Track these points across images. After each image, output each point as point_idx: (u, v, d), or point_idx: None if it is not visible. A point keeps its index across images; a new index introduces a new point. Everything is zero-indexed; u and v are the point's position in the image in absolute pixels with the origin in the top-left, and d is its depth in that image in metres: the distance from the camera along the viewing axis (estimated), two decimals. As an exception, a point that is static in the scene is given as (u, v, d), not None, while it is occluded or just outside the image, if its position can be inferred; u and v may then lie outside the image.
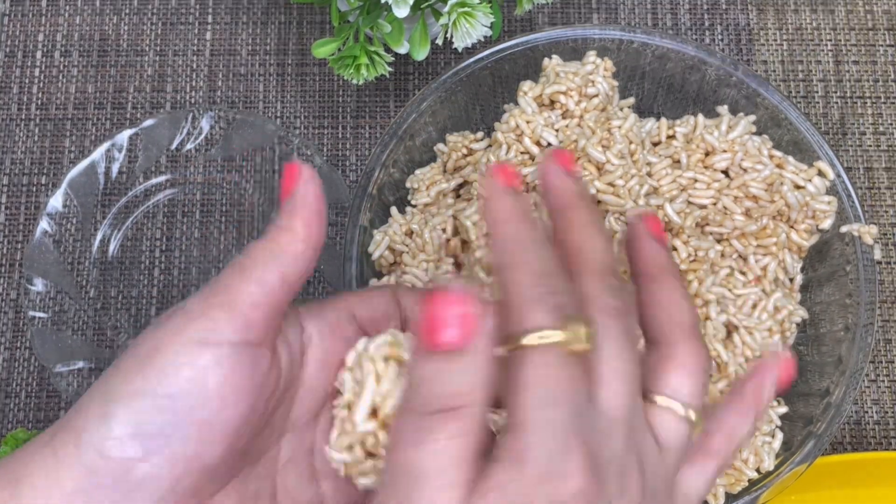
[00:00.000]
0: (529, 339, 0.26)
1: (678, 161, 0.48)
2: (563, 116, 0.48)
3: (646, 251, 0.32)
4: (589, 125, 0.47)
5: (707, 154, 0.48)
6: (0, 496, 0.27)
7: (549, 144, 0.47)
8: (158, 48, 0.61)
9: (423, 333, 0.26)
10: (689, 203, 0.47)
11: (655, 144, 0.49)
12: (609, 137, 0.46)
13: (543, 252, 0.28)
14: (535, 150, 0.47)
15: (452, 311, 0.26)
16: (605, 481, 0.26)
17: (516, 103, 0.49)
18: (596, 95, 0.48)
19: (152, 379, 0.27)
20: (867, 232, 0.47)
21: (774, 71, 0.61)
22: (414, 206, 0.50)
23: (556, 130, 0.48)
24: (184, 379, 0.27)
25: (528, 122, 0.47)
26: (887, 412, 0.55)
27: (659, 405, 0.29)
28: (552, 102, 0.49)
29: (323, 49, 0.51)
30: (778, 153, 0.48)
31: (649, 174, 0.47)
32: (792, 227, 0.48)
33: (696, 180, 0.47)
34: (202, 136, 0.57)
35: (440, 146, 0.51)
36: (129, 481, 0.27)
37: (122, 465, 0.27)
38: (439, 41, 0.50)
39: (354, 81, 0.51)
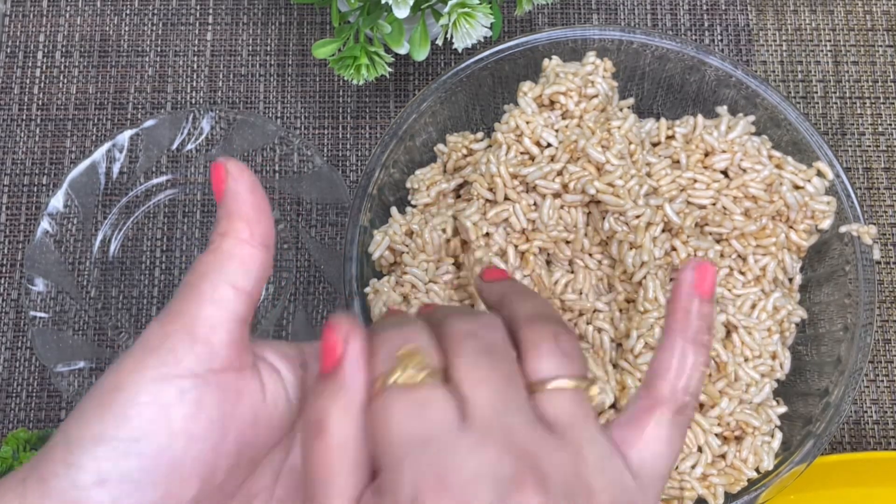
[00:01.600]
0: (376, 388, 0.27)
1: (678, 161, 0.48)
2: (563, 117, 0.48)
3: (493, 287, 0.34)
4: (588, 125, 0.47)
5: (706, 154, 0.48)
6: None
7: (549, 145, 0.47)
8: (159, 49, 0.61)
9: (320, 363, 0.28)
10: (689, 203, 0.47)
11: (655, 145, 0.49)
12: (609, 138, 0.46)
13: (389, 324, 0.29)
14: (535, 150, 0.47)
15: (329, 341, 0.27)
16: (475, 496, 0.25)
17: (516, 104, 0.49)
18: (595, 96, 0.48)
19: (111, 423, 0.26)
20: (866, 232, 0.47)
21: (774, 71, 0.61)
22: (414, 207, 0.50)
23: (556, 131, 0.48)
24: (146, 420, 0.26)
25: (527, 123, 0.48)
26: (886, 412, 0.55)
27: (544, 392, 0.28)
28: (552, 103, 0.49)
29: (323, 49, 0.51)
30: (777, 153, 0.48)
31: (649, 174, 0.47)
32: (791, 227, 0.48)
33: (695, 181, 0.47)
34: (203, 137, 0.57)
35: (440, 146, 0.51)
36: None
37: None
38: (439, 42, 0.50)
39: (355, 82, 0.51)
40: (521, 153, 0.47)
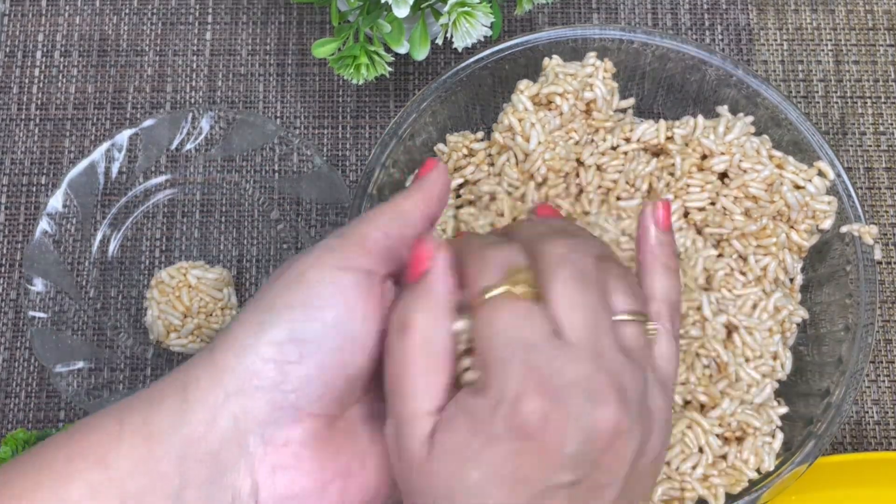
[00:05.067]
0: (482, 298, 0.31)
1: (672, 173, 0.48)
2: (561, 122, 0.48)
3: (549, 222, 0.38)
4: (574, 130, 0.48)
5: (704, 157, 0.48)
6: (173, 400, 0.31)
7: (540, 143, 0.47)
8: (158, 48, 0.61)
9: (409, 272, 0.32)
10: (685, 208, 0.47)
11: (656, 155, 0.49)
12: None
13: (487, 237, 0.35)
14: (528, 147, 0.47)
15: (419, 252, 0.32)
16: (567, 400, 0.30)
17: (516, 103, 0.49)
18: (593, 100, 0.48)
19: (300, 295, 0.32)
20: (867, 232, 0.47)
21: (774, 71, 0.61)
22: (414, 207, 0.50)
23: (550, 132, 0.48)
24: (329, 295, 0.32)
25: (519, 120, 0.48)
26: (888, 412, 0.55)
27: (619, 321, 0.33)
28: (549, 102, 0.49)
29: (323, 49, 0.51)
30: (778, 153, 0.48)
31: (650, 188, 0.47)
32: (792, 227, 0.48)
33: (688, 185, 0.47)
34: (202, 136, 0.57)
35: (440, 146, 0.51)
36: (287, 382, 0.31)
37: (280, 369, 0.31)
38: (439, 41, 0.50)
39: (354, 81, 0.51)
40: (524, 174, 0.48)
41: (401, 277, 0.34)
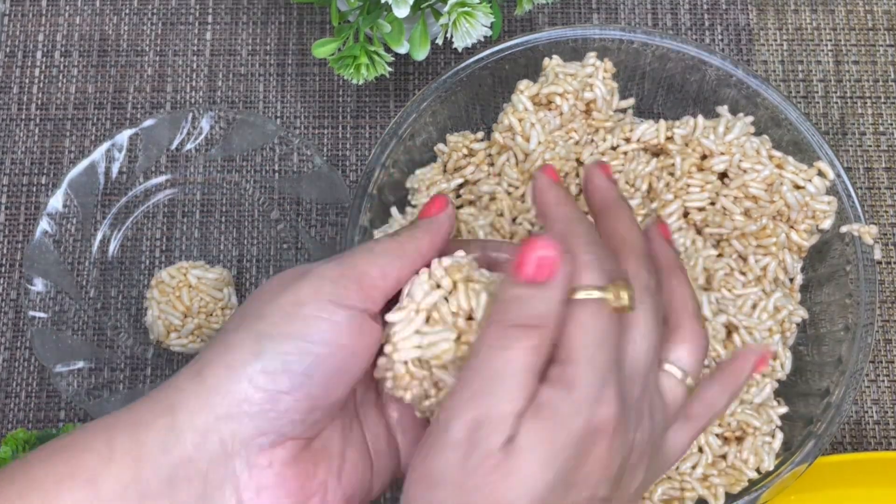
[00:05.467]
0: (581, 294, 0.32)
1: (672, 173, 0.48)
2: (561, 121, 0.48)
3: (661, 249, 0.38)
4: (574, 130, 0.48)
5: (704, 157, 0.48)
6: (163, 421, 0.32)
7: (540, 143, 0.47)
8: (158, 48, 0.61)
9: (517, 266, 0.32)
10: (685, 208, 0.47)
11: (656, 155, 0.49)
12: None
13: (592, 228, 0.35)
14: (528, 147, 0.47)
15: (542, 253, 0.32)
16: (627, 416, 0.32)
17: (516, 103, 0.49)
18: (593, 100, 0.48)
19: (298, 325, 0.33)
20: (867, 232, 0.47)
21: (774, 71, 0.61)
22: (414, 207, 0.50)
23: (550, 132, 0.48)
24: (323, 330, 0.33)
25: (520, 120, 0.48)
26: (887, 412, 0.55)
27: (666, 370, 0.35)
28: (549, 102, 0.49)
29: (323, 49, 0.51)
30: (778, 153, 0.48)
31: (650, 191, 0.47)
32: (792, 227, 0.48)
33: (689, 185, 0.47)
34: (202, 136, 0.57)
35: (440, 146, 0.51)
36: (274, 410, 0.32)
37: (271, 397, 0.32)
38: (439, 41, 0.50)
39: (354, 81, 0.51)
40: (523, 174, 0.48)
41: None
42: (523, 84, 0.49)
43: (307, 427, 0.33)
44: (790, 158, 0.48)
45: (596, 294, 0.32)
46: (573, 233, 0.33)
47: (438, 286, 0.35)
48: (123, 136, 0.56)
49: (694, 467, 0.44)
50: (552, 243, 0.32)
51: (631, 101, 0.51)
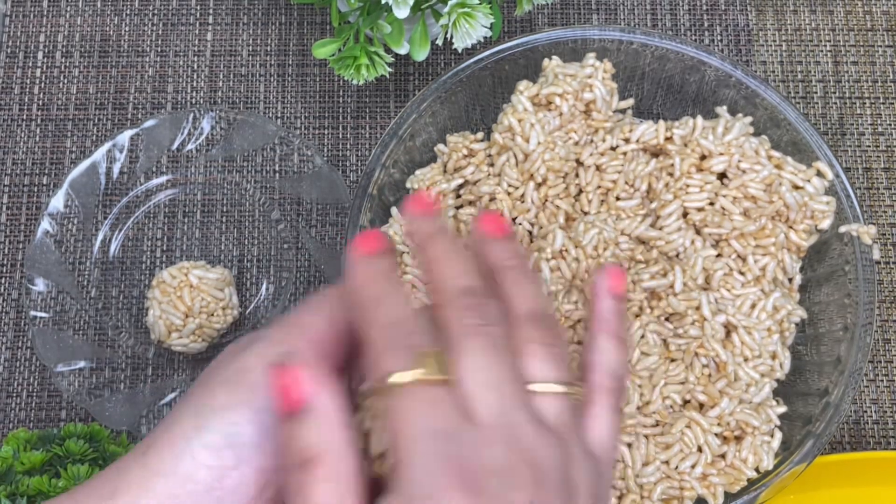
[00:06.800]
0: (388, 382, 0.29)
1: (671, 173, 0.48)
2: (560, 122, 0.49)
3: (490, 250, 0.35)
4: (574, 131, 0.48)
5: (703, 158, 0.48)
6: None
7: (539, 143, 0.47)
8: (159, 49, 0.61)
9: (276, 405, 0.29)
10: (685, 208, 0.47)
11: (655, 155, 0.49)
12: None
13: (394, 304, 0.31)
14: (528, 147, 0.47)
15: (284, 382, 0.29)
16: (483, 490, 0.27)
17: (516, 104, 0.49)
18: (592, 101, 0.49)
19: (243, 394, 0.30)
20: (866, 232, 0.47)
21: (773, 71, 0.61)
22: (414, 207, 0.50)
23: (549, 133, 0.48)
24: (271, 395, 0.30)
25: (519, 121, 0.48)
26: (886, 412, 0.55)
27: (537, 392, 0.31)
28: (549, 103, 0.49)
29: (323, 49, 0.51)
30: (776, 153, 0.48)
31: (651, 194, 0.47)
32: (791, 227, 0.48)
33: (687, 185, 0.47)
34: (203, 137, 0.57)
35: (440, 147, 0.51)
36: (221, 488, 0.30)
37: (216, 473, 0.30)
38: (439, 42, 0.50)
39: (355, 82, 0.51)
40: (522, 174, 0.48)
41: (351, 362, 0.33)
42: (523, 84, 0.49)
43: (254, 498, 0.31)
44: (789, 159, 0.48)
45: (400, 378, 0.29)
46: (369, 320, 0.31)
47: None
48: (124, 137, 0.56)
49: (693, 466, 0.45)
50: (290, 367, 0.29)
51: (630, 102, 0.51)
